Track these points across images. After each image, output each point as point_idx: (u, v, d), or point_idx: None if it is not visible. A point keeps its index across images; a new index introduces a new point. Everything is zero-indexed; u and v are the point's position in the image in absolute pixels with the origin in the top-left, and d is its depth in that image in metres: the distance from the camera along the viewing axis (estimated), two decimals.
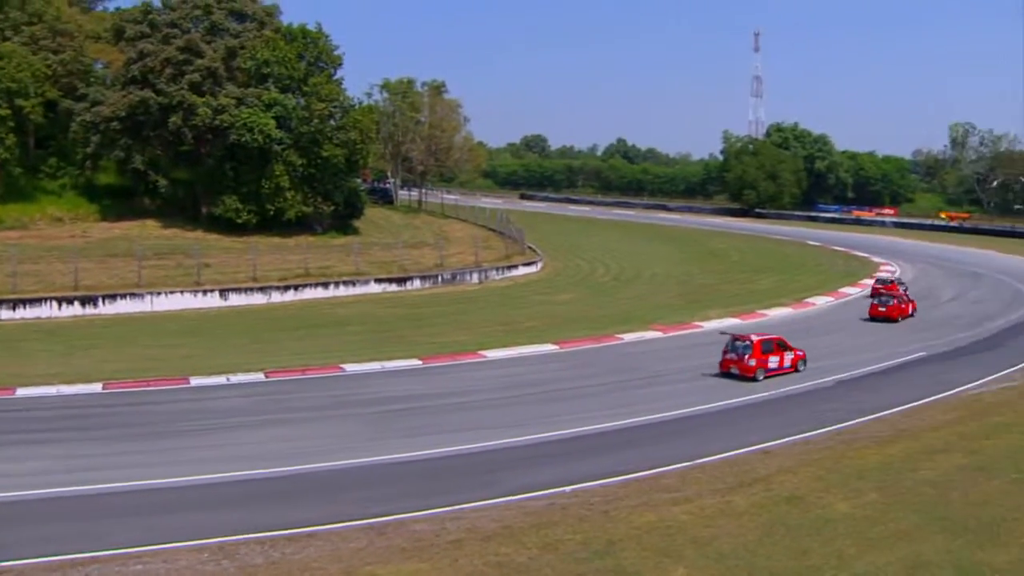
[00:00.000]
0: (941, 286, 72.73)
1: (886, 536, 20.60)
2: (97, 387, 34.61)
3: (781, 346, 40.44)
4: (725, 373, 39.28)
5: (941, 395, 37.37)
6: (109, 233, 67.55)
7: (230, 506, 22.78)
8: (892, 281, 64.20)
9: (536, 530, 20.79)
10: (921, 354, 46.30)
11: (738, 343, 39.51)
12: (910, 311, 56.06)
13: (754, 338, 39.82)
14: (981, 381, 40.31)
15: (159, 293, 52.83)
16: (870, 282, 69.89)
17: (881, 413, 34.07)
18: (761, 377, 38.76)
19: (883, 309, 55.12)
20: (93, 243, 63.70)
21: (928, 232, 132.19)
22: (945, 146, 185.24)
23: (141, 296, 52.01)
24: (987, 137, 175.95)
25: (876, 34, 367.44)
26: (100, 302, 50.68)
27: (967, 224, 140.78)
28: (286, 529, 21.04)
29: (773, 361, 39.60)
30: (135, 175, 75.03)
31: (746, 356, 38.95)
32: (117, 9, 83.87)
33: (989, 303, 64.35)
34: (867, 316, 55.29)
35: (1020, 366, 43.99)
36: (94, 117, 68.42)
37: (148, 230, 69.79)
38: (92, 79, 73.89)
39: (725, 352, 39.63)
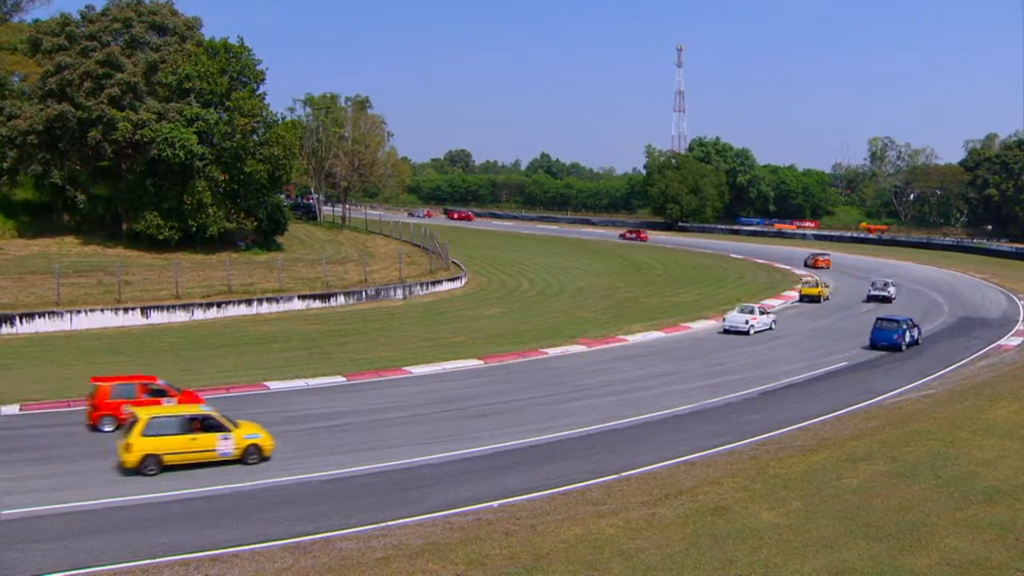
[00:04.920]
0: (861, 297, 74.40)
1: (811, 543, 20.98)
2: (15, 408, 33.96)
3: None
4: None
5: (863, 404, 38.35)
6: (26, 250, 66.13)
7: (151, 528, 22.49)
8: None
9: (463, 546, 20.85)
10: (843, 364, 47.49)
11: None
12: None
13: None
14: (901, 389, 41.54)
15: (79, 311, 51.87)
16: (793, 294, 71.58)
17: (804, 422, 34.85)
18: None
19: None
20: (10, 260, 62.33)
21: (848, 244, 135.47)
22: (864, 159, 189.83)
23: (60, 314, 51.04)
24: (905, 151, 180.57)
25: (796, 49, 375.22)
26: (17, 321, 49.66)
27: (885, 236, 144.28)
28: (209, 550, 20.87)
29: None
30: (53, 190, 73.47)
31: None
32: (34, 21, 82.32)
33: (907, 313, 65.98)
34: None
35: (938, 374, 45.41)
36: (10, 131, 66.93)
37: (67, 247, 68.48)
38: (8, 92, 72.25)
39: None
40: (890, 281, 77.57)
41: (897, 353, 51.06)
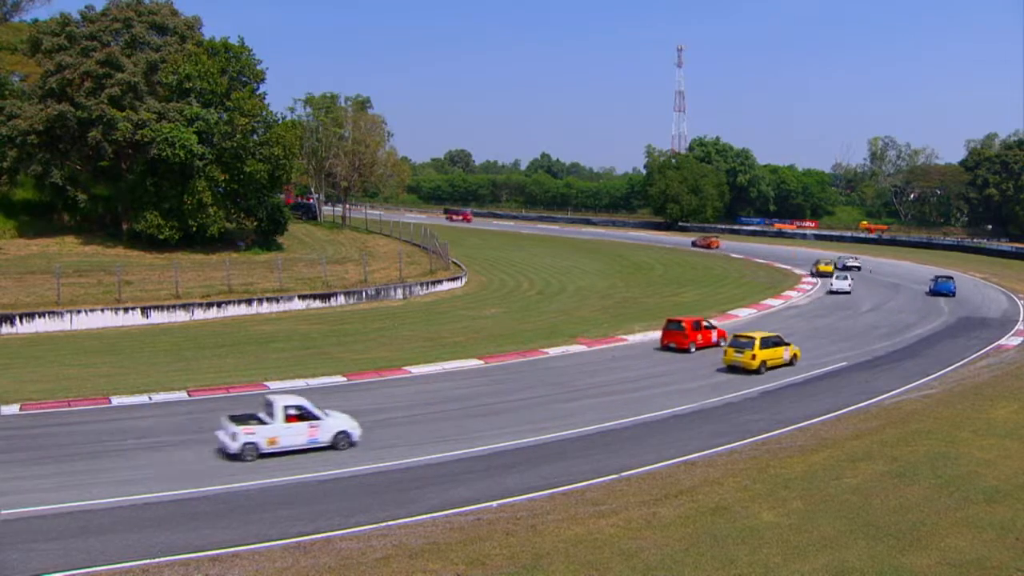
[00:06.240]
0: (860, 296, 74.48)
1: (811, 543, 20.98)
2: (14, 408, 33.95)
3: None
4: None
5: (863, 404, 38.31)
6: (27, 250, 66.18)
7: (152, 528, 22.49)
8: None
9: (463, 546, 20.84)
10: (842, 364, 47.44)
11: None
12: None
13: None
14: (901, 389, 41.48)
15: (79, 311, 51.94)
16: (793, 293, 71.58)
17: (804, 423, 34.83)
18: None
19: None
20: (10, 260, 62.38)
21: (848, 243, 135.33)
22: (864, 159, 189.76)
23: (60, 314, 51.09)
24: (905, 151, 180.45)
25: (796, 49, 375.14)
26: (17, 321, 49.73)
27: (885, 236, 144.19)
28: (209, 550, 20.87)
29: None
30: (54, 190, 73.59)
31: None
32: (34, 21, 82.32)
33: (907, 313, 66.17)
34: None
35: (938, 374, 45.33)
36: (10, 131, 66.95)
37: (67, 247, 68.51)
38: (8, 92, 72.23)
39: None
40: (855, 257, 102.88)
41: (903, 350, 52.07)
